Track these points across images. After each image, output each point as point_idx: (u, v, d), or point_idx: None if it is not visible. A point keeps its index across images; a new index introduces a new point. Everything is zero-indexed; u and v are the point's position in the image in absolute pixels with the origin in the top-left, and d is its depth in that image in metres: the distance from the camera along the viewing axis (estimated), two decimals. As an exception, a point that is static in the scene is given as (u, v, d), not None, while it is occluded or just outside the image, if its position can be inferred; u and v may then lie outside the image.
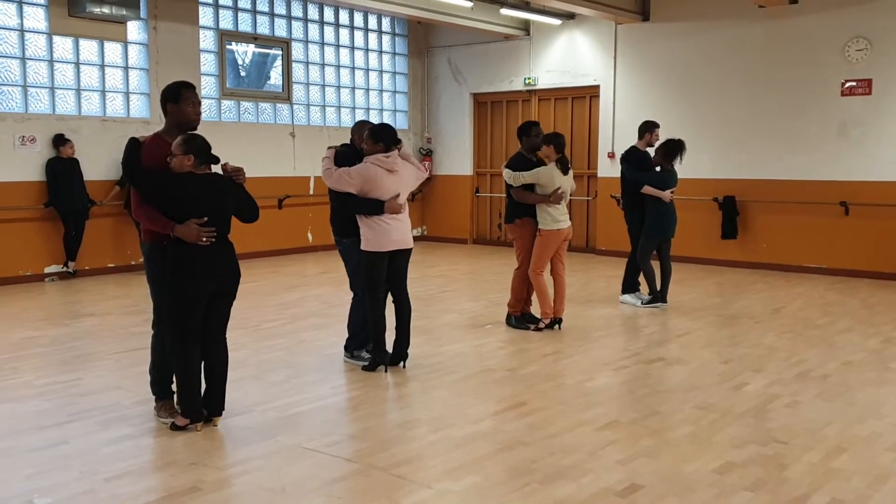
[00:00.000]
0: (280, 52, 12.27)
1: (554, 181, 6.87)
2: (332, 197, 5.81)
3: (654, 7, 11.70)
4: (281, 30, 12.23)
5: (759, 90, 10.88)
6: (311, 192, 12.43)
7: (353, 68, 13.28)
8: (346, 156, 5.72)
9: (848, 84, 10.25)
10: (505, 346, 6.66)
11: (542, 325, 7.06)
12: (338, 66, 13.07)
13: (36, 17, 9.70)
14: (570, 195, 7.24)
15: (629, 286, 8.50)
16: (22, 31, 9.60)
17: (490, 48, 13.46)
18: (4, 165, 9.41)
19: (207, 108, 11.27)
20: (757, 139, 10.96)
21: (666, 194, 8.04)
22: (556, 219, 6.92)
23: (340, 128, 12.82)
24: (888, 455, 4.23)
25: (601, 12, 11.24)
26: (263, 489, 3.77)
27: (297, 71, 12.46)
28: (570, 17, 12.37)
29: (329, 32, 12.92)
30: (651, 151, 8.32)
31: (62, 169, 9.64)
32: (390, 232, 5.59)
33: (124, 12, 9.91)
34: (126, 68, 10.52)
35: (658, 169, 8.12)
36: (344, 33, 13.14)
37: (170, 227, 4.33)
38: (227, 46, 11.63)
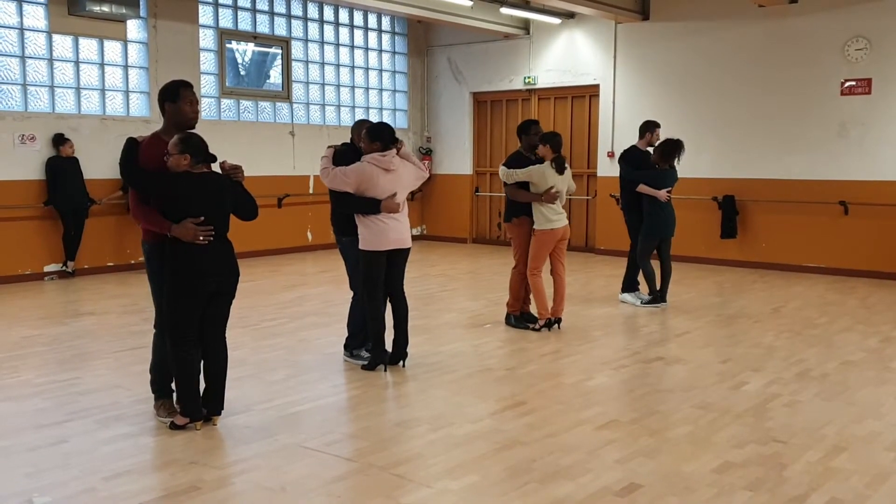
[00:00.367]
0: (280, 51, 12.26)
1: (546, 180, 6.84)
2: (331, 196, 5.81)
3: (654, 6, 11.70)
4: (281, 28, 12.23)
5: (759, 89, 10.88)
6: (311, 191, 12.43)
7: (352, 67, 13.28)
8: (345, 155, 5.71)
9: (847, 84, 10.25)
10: (504, 345, 6.67)
11: (537, 325, 7.06)
12: (337, 65, 13.07)
13: (35, 16, 9.69)
14: (570, 195, 7.23)
15: (629, 285, 8.51)
16: (22, 29, 9.59)
17: (490, 47, 13.46)
18: (4, 164, 9.41)
19: (207, 107, 11.27)
20: (756, 139, 10.96)
21: (662, 193, 8.02)
22: (549, 218, 6.88)
23: (340, 127, 12.82)
24: (887, 454, 4.24)
25: (601, 11, 11.24)
26: (263, 488, 3.77)
27: (297, 70, 12.46)
28: (570, 16, 12.37)
29: (329, 31, 12.91)
30: (651, 151, 8.32)
31: (62, 168, 9.63)
32: (388, 231, 5.59)
33: (124, 11, 9.91)
34: (126, 67, 10.51)
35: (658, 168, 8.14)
36: (344, 32, 13.14)
37: (167, 227, 4.33)
38: (227, 45, 11.62)
